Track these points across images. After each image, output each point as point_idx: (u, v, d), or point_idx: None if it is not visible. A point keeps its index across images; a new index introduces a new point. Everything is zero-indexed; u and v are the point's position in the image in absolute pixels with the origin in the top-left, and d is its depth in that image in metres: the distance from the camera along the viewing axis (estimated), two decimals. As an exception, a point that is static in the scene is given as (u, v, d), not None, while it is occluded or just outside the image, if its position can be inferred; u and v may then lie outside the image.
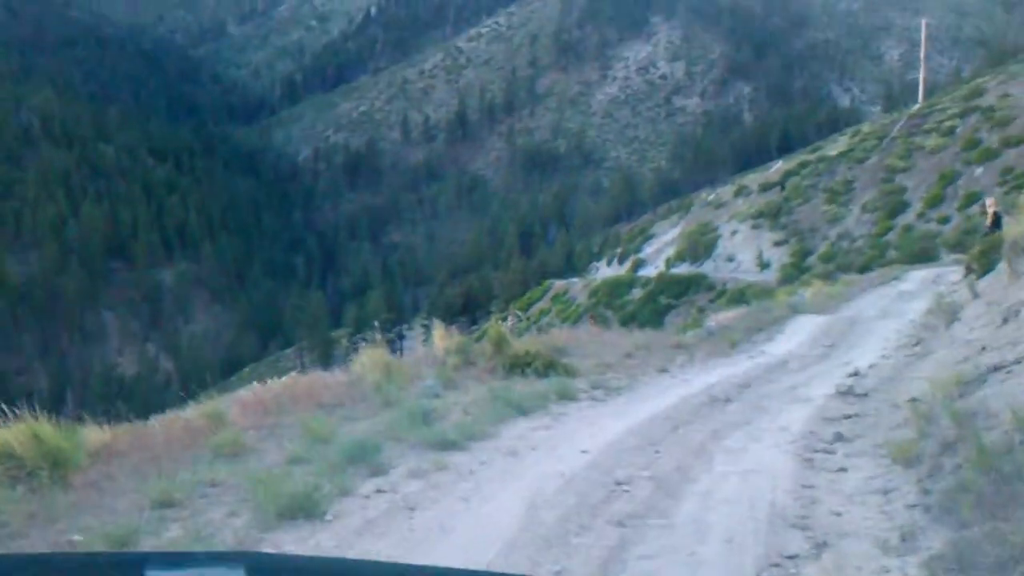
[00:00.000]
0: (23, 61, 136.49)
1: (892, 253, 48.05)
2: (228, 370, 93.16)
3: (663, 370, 11.57)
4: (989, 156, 52.23)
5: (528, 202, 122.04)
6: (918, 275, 28.52)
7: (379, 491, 5.93)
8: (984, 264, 18.95)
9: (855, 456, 7.34)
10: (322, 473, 5.95)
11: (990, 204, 22.38)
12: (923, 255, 44.99)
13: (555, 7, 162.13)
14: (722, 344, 13.92)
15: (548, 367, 10.41)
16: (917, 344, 13.11)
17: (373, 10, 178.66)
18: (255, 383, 9.61)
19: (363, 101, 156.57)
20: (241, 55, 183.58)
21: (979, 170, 52.47)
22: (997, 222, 21.96)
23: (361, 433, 7.11)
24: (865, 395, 10.09)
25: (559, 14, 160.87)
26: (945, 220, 50.37)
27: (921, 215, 51.68)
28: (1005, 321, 11.90)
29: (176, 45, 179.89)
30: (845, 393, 10.19)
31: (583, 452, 7.13)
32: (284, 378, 9.59)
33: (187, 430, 6.96)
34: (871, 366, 11.85)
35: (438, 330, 11.33)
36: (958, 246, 46.94)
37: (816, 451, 7.50)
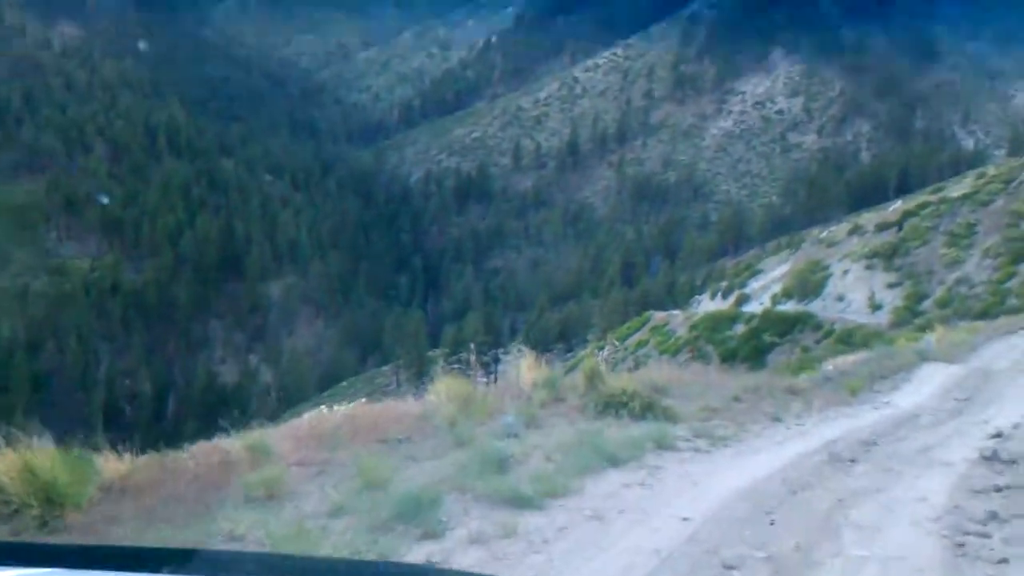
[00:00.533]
0: (154, 76, 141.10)
1: (1013, 301, 45.53)
2: (325, 384, 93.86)
3: (776, 419, 10.21)
4: (1124, 205, 49.20)
5: (633, 233, 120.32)
6: (1049, 327, 26.33)
7: (428, 562, 4.80)
8: None
9: (1017, 543, 5.97)
10: (364, 531, 4.87)
11: None
12: (1048, 305, 42.63)
13: (674, 39, 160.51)
14: (841, 392, 12.45)
15: (646, 409, 9.17)
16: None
17: (494, 39, 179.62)
18: (322, 407, 8.61)
19: (477, 127, 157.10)
20: (363, 79, 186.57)
21: (1112, 219, 49.45)
22: None
23: (421, 480, 6.03)
24: (1015, 463, 8.61)
25: (678, 46, 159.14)
26: (1072, 269, 47.57)
27: (1046, 263, 48.93)
28: None
29: (301, 68, 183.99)
30: (991, 459, 8.72)
31: (683, 520, 5.91)
32: (351, 405, 8.55)
33: (223, 464, 5.96)
34: (1015, 426, 10.30)
35: (526, 359, 10.13)
36: (1086, 296, 44.18)
37: (967, 533, 6.15)
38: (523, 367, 9.94)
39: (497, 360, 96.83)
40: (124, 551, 3.16)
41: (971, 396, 12.25)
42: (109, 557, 2.28)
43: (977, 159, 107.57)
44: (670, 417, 9.22)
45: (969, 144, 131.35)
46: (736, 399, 10.93)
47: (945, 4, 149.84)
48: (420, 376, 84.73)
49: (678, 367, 57.43)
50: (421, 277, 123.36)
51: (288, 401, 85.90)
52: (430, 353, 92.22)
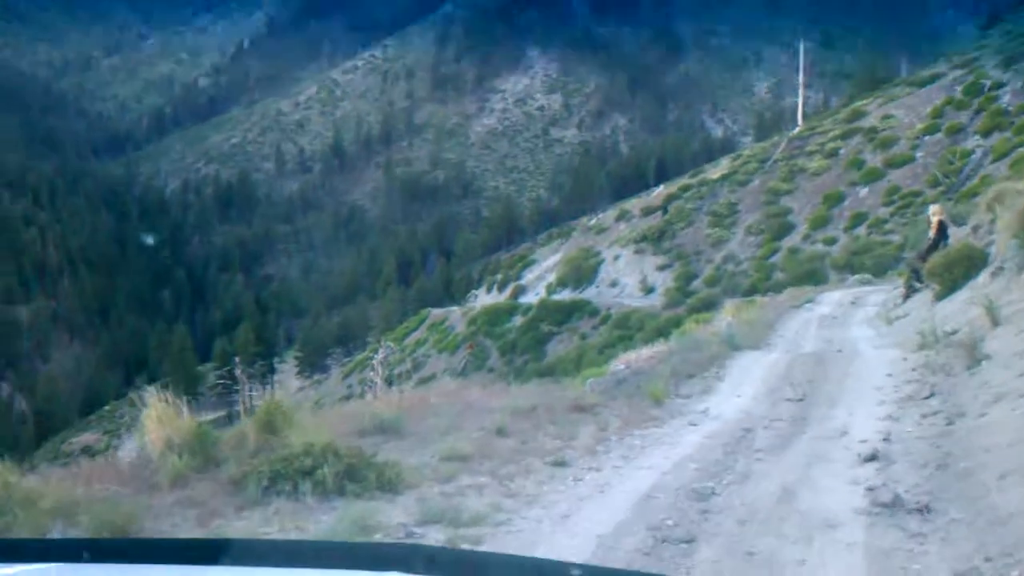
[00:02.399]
0: None
1: (778, 275, 45.29)
2: (88, 408, 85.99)
3: (559, 463, 6.62)
4: (874, 177, 49.87)
5: (407, 232, 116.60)
6: (831, 297, 24.62)
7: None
8: (948, 281, 14.66)
9: None
10: None
11: (934, 212, 18.21)
12: (810, 277, 42.61)
13: (431, 40, 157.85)
14: (642, 400, 9.07)
15: (346, 475, 5.33)
16: (930, 396, 8.51)
17: (246, 43, 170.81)
18: None
19: (235, 133, 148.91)
20: (107, 88, 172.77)
21: (864, 191, 50.03)
22: (943, 233, 17.84)
23: None
24: (928, 510, 5.39)
25: (435, 47, 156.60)
26: (832, 241, 47.83)
27: (806, 237, 49.14)
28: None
29: (39, 78, 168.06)
30: (892, 506, 5.48)
31: None
32: None
33: None
34: (885, 438, 7.18)
35: (153, 409, 5.90)
36: (847, 267, 44.25)
37: None
38: (148, 420, 5.79)
39: (273, 371, 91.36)
40: (121, 544, 3.07)
41: (805, 394, 9.14)
42: (110, 551, 2.18)
43: (727, 146, 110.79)
44: (386, 484, 5.42)
45: (718, 132, 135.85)
46: (500, 431, 7.27)
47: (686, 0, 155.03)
48: (190, 393, 79.17)
49: (454, 373, 54.28)
50: (186, 290, 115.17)
51: (50, 429, 78.15)
52: (200, 368, 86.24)
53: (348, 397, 59.33)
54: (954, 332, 10.63)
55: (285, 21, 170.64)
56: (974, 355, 8.94)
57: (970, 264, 14.57)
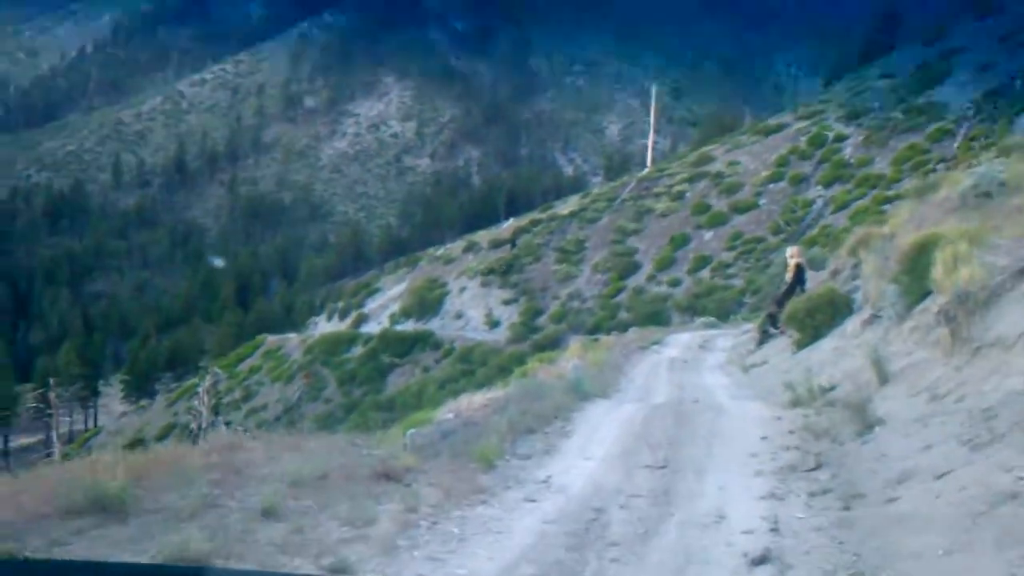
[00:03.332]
0: None
1: (623, 315, 44.84)
2: None
3: (339, 568, 4.63)
4: (718, 221, 50.17)
5: (248, 254, 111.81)
6: (679, 339, 23.56)
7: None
8: (811, 328, 13.41)
9: None
10: None
11: (792, 255, 17.17)
12: (655, 318, 42.36)
13: (285, 58, 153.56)
14: (470, 464, 7.19)
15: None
16: (817, 467, 6.97)
17: (89, 47, 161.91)
18: None
19: (71, 140, 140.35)
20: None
21: (708, 234, 50.25)
22: (801, 277, 16.79)
23: None
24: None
25: (289, 66, 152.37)
26: (676, 283, 47.80)
27: (652, 277, 49.02)
28: (999, 436, 6.10)
29: None
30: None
31: None
32: None
33: None
34: (773, 528, 5.58)
35: None
36: (689, 309, 44.08)
37: None
38: None
39: (97, 394, 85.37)
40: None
41: (667, 459, 7.45)
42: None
43: (577, 184, 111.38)
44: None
45: (569, 170, 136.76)
46: (270, 512, 5.21)
47: (543, 39, 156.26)
48: (3, 416, 73.95)
49: (288, 404, 51.27)
50: (9, 304, 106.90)
51: None
52: (19, 388, 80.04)
53: (173, 426, 55.56)
54: (832, 388, 9.20)
55: (133, 27, 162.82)
56: (864, 418, 7.46)
57: (834, 311, 13.44)
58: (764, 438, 8.00)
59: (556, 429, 8.76)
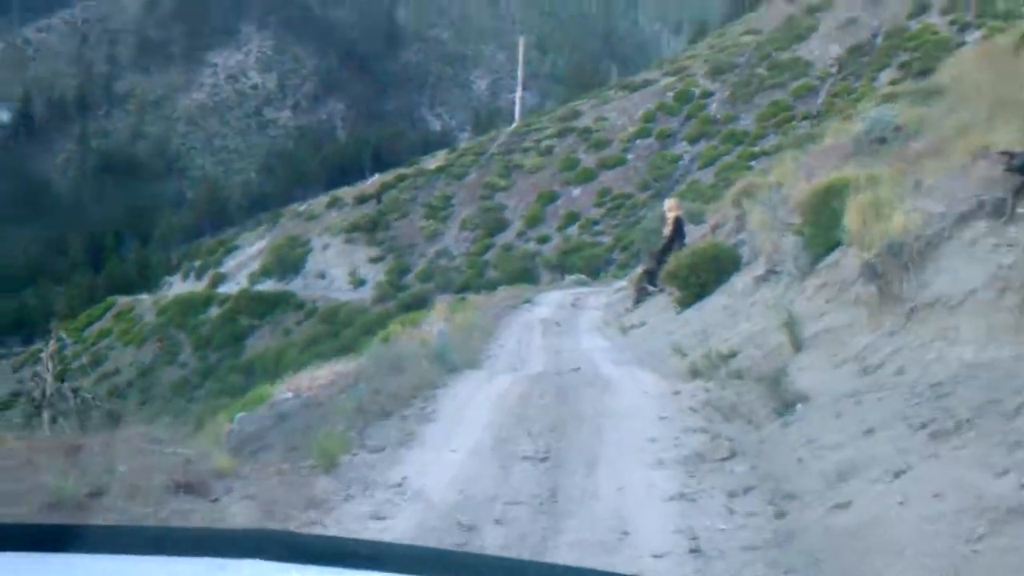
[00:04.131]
0: None
1: (492, 273, 43.81)
2: None
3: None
4: (587, 177, 49.44)
5: (100, 211, 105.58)
6: (550, 298, 22.38)
7: None
8: (695, 286, 12.27)
9: None
10: None
11: (670, 208, 16.03)
12: (524, 275, 41.52)
13: (138, 5, 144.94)
14: (303, 464, 5.64)
15: None
16: (731, 456, 5.71)
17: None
18: None
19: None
20: None
21: (577, 191, 49.51)
22: (679, 231, 15.69)
23: None
24: None
25: (142, 12, 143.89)
26: (545, 240, 47.00)
27: (521, 234, 48.12)
28: (963, 423, 4.88)
29: None
30: None
31: None
32: None
33: None
34: (692, 547, 4.25)
35: None
36: (558, 266, 43.28)
37: None
38: None
39: (-72, 361, 79.55)
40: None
41: (549, 448, 6.07)
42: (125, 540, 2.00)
43: (445, 139, 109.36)
44: None
45: (436, 126, 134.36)
46: None
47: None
48: None
49: (141, 368, 48.27)
50: None
51: None
52: None
53: (18, 394, 51.70)
54: (733, 355, 7.99)
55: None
56: (781, 394, 6.23)
57: (719, 266, 12.32)
58: (663, 418, 6.72)
59: (416, 411, 7.28)
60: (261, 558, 1.70)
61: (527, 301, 20.98)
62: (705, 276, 12.07)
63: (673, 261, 13.55)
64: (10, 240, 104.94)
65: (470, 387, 8.35)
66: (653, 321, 13.30)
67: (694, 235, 16.16)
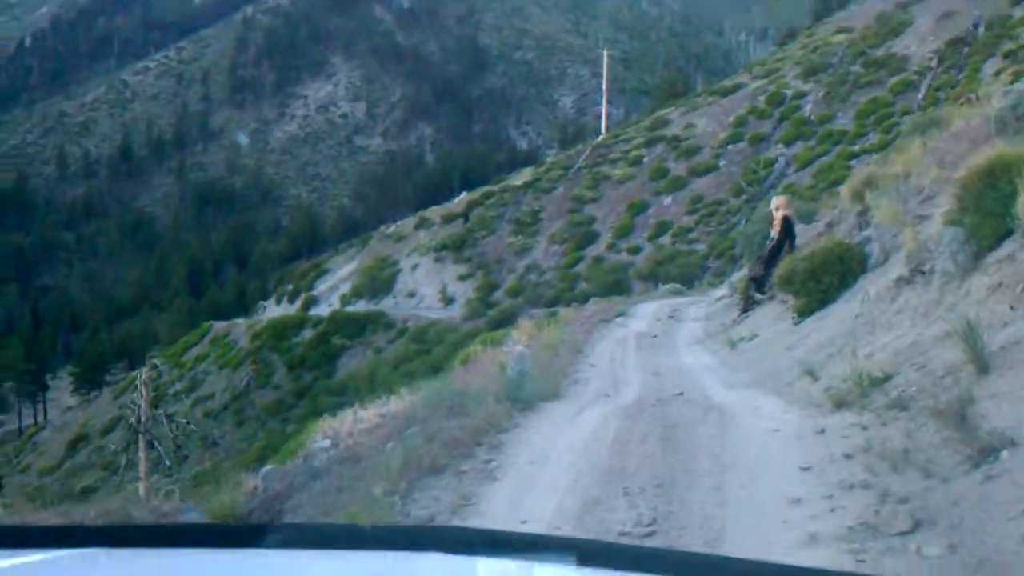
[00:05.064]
0: None
1: (583, 286, 42.21)
2: None
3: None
4: (678, 185, 47.45)
5: (199, 241, 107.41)
6: (645, 310, 20.57)
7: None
8: (817, 293, 10.35)
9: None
10: None
11: (777, 206, 14.04)
12: (615, 287, 39.83)
13: (229, 43, 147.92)
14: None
15: None
16: (916, 527, 3.87)
17: (28, 40, 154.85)
18: None
19: (14, 135, 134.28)
20: None
21: (668, 199, 47.55)
22: (789, 232, 13.74)
23: None
24: None
25: (233, 50, 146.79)
26: (636, 250, 45.15)
27: (611, 246, 46.31)
28: None
29: None
30: None
31: None
32: None
33: None
34: None
35: None
36: (651, 276, 41.42)
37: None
38: None
39: (46, 387, 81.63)
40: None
41: (655, 518, 4.34)
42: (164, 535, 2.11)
43: (532, 158, 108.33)
44: None
45: (523, 144, 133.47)
46: None
47: (491, 14, 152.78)
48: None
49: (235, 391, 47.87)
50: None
51: None
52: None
53: (119, 419, 52.05)
54: (888, 378, 6.12)
55: (70, 19, 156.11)
56: (974, 435, 4.36)
57: (844, 269, 10.36)
58: (807, 468, 4.92)
59: (478, 464, 5.62)
60: (441, 551, 1.69)
61: (620, 314, 19.22)
62: (828, 280, 10.18)
63: (786, 264, 11.69)
64: (116, 273, 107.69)
65: (550, 426, 6.58)
66: (766, 333, 11.43)
67: (805, 235, 14.23)
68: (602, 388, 9.34)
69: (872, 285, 9.24)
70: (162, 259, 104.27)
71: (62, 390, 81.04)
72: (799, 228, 14.52)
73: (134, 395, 42.01)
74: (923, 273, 7.75)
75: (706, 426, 6.34)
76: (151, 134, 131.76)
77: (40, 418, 75.91)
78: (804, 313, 10.58)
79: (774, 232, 13.82)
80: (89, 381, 77.54)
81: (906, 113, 42.11)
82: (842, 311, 9.57)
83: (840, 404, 5.93)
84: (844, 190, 13.18)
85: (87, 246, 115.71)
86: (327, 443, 5.95)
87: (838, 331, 8.83)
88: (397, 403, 7.07)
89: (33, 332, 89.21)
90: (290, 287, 60.86)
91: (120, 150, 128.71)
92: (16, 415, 77.77)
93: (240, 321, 58.12)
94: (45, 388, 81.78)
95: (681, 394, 8.18)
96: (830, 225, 13.30)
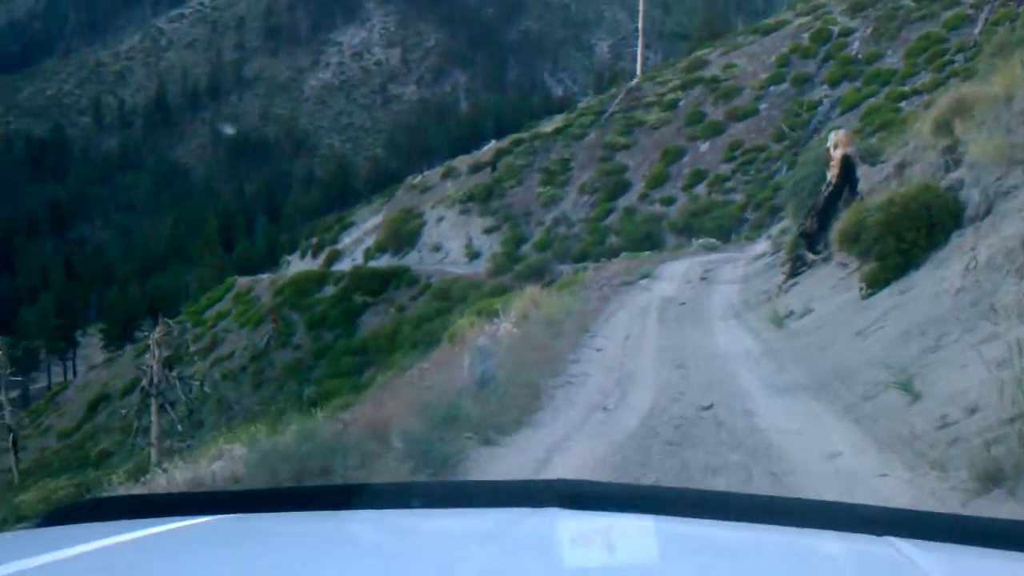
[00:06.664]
0: None
1: (613, 239, 39.56)
2: None
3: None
4: (715, 131, 44.32)
5: (233, 192, 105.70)
6: (675, 269, 17.89)
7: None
8: (896, 255, 7.61)
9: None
10: None
11: (836, 143, 11.22)
12: (647, 240, 37.14)
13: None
14: None
15: None
16: None
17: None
18: None
19: (50, 85, 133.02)
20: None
21: (704, 146, 44.46)
22: (850, 175, 10.95)
23: None
24: None
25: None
26: (670, 201, 42.20)
27: (643, 196, 43.37)
28: None
29: None
30: None
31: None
32: None
33: None
34: None
35: None
36: (686, 229, 38.75)
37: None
38: None
39: (76, 344, 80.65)
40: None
41: None
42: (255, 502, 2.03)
43: (566, 105, 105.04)
44: None
45: (559, 91, 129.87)
46: None
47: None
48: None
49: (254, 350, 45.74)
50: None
51: None
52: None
53: (138, 379, 50.47)
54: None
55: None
56: None
57: (933, 222, 7.63)
58: None
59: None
60: (557, 506, 1.66)
61: (646, 275, 16.58)
62: (911, 238, 7.47)
63: (851, 216, 8.97)
64: (150, 226, 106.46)
65: (516, 465, 4.07)
66: (823, 308, 8.78)
67: (870, 180, 11.45)
68: (602, 393, 6.75)
69: (978, 246, 6.55)
70: (195, 211, 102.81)
71: (94, 347, 79.95)
72: (861, 171, 11.74)
73: (145, 356, 40.19)
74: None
75: (749, 485, 3.79)
76: (186, 84, 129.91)
77: (70, 376, 74.89)
78: (876, 283, 7.88)
79: (831, 175, 11.05)
80: (119, 338, 76.19)
81: (960, 49, 38.68)
82: (932, 282, 6.89)
83: (987, 476, 3.29)
84: (923, 121, 10.36)
85: (122, 198, 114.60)
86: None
87: (932, 313, 6.17)
88: (222, 464, 4.49)
89: (65, 287, 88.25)
90: (314, 241, 58.81)
91: (155, 100, 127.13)
92: (46, 372, 76.75)
93: (264, 276, 56.20)
94: (75, 344, 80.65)
95: (710, 407, 5.62)
96: (901, 167, 10.52)
